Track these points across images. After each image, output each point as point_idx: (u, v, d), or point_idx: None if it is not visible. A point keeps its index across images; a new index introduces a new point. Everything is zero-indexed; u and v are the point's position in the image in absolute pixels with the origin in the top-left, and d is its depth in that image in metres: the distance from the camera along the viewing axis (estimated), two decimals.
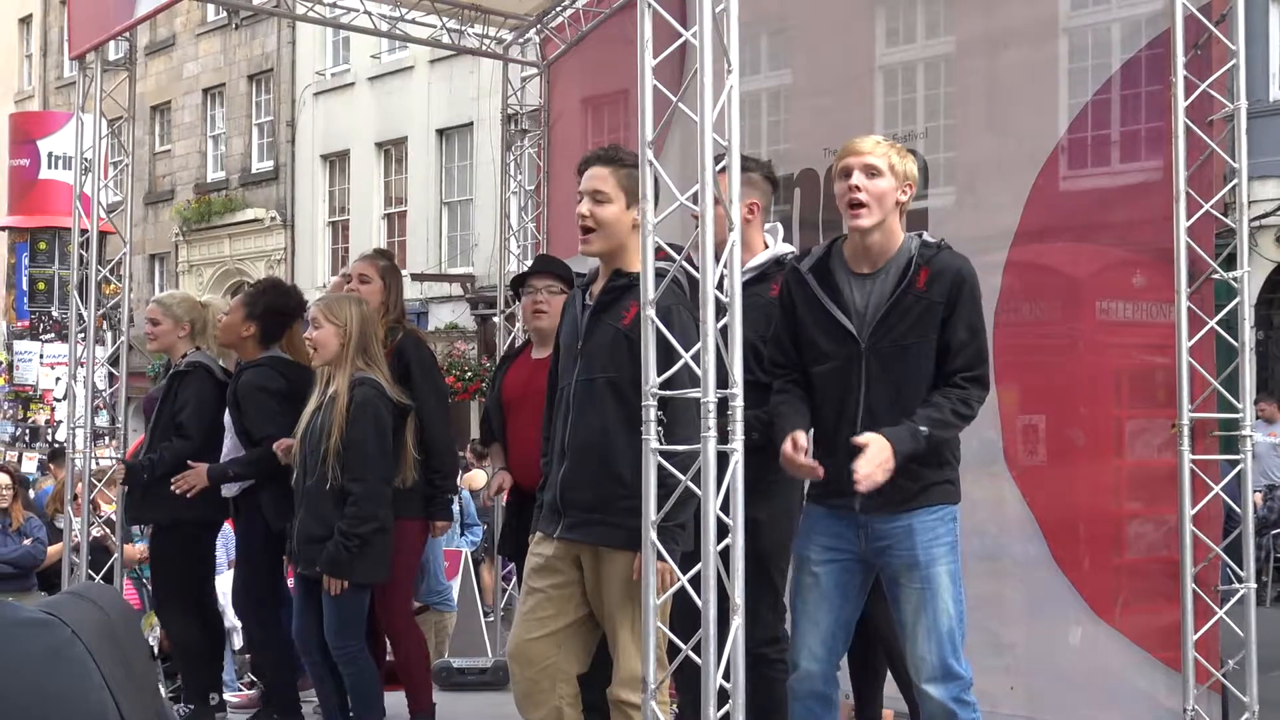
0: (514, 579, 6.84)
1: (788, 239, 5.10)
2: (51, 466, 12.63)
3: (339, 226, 25.35)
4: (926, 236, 4.07)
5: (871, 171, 3.98)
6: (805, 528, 4.15)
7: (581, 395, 4.21)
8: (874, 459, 3.80)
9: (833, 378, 4.02)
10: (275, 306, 6.22)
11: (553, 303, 5.45)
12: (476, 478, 12.45)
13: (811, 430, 4.06)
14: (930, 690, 3.93)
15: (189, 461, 6.14)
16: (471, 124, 21.96)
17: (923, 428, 3.86)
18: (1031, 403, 5.74)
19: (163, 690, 7.15)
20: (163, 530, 6.41)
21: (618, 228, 4.21)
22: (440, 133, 23.09)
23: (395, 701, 5.78)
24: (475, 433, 16.08)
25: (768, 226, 4.84)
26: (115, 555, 7.37)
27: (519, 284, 5.72)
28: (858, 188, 3.96)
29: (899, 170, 4.00)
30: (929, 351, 3.95)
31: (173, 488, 6.09)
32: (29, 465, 14.34)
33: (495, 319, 9.05)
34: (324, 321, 5.47)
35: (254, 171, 26.75)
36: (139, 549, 8.27)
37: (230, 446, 6.15)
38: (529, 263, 8.56)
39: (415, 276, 21.59)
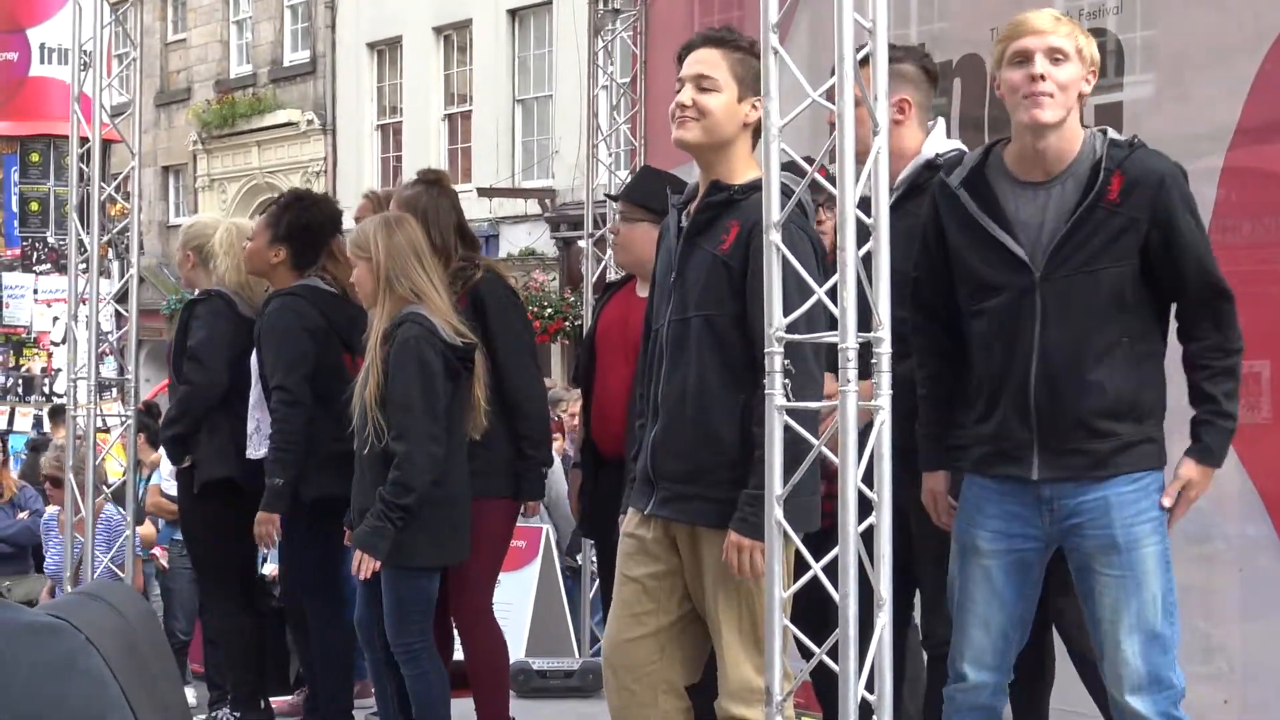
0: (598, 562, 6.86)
1: None
2: (51, 425, 12.90)
3: (389, 131, 25.47)
4: (1113, 134, 4.00)
5: (1056, 56, 3.92)
6: (969, 506, 4.12)
7: (675, 340, 4.21)
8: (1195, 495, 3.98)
9: (997, 318, 3.99)
10: (304, 221, 6.27)
11: (628, 233, 5.45)
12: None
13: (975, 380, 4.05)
14: (1134, 704, 3.92)
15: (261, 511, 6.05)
16: (551, 2, 21.90)
17: (1227, 412, 3.99)
18: (1253, 345, 5.61)
19: (190, 693, 7.31)
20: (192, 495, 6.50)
21: (725, 122, 4.19)
22: (512, 14, 23.06)
23: (466, 710, 5.83)
24: (558, 382, 16.16)
25: (929, 126, 4.76)
26: (125, 534, 7.51)
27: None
28: (1042, 76, 3.90)
29: (1086, 54, 3.96)
30: (1125, 283, 3.89)
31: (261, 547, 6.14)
32: (22, 422, 14.60)
33: (581, 243, 9.04)
34: (355, 259, 5.58)
35: (286, 65, 26.93)
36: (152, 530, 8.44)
37: (256, 398, 6.24)
38: (622, 174, 8.55)
39: (482, 192, 21.64)
